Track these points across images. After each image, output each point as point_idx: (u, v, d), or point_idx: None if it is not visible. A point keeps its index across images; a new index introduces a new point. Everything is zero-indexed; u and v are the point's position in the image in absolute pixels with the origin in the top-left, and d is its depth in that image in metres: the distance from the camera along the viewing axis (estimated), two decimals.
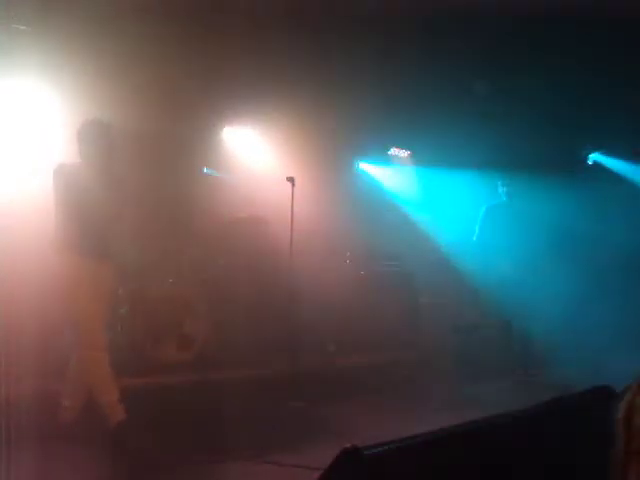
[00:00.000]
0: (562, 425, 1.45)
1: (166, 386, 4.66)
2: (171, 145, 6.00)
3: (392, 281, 6.76)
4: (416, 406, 4.69)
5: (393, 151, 8.16)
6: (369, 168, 8.36)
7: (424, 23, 5.25)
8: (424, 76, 6.08)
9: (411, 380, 5.51)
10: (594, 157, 8.02)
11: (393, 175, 8.39)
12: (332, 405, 4.49)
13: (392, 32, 5.33)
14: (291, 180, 5.03)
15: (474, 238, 6.52)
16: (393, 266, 6.84)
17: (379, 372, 5.42)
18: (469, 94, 6.47)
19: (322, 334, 5.80)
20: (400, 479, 1.26)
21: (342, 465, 1.23)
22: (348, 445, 1.22)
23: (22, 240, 4.58)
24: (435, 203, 8.07)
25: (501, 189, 6.47)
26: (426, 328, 6.72)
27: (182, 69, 5.45)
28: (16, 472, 3.09)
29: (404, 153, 8.20)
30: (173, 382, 4.77)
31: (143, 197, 5.52)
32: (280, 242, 5.19)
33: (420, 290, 7.02)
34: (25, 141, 5.38)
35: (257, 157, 7.07)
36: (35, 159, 5.37)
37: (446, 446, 1.33)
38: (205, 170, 6.96)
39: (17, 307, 4.40)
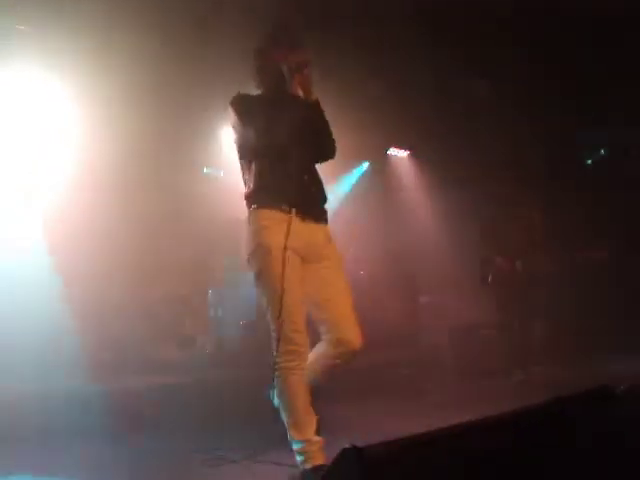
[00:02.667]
0: (562, 425, 1.45)
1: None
2: (170, 144, 6.01)
3: (392, 280, 6.77)
4: (416, 406, 4.69)
5: (393, 151, 8.17)
6: (369, 167, 8.38)
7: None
8: (424, 75, 6.08)
9: (411, 380, 5.51)
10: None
11: (394, 175, 8.40)
12: (332, 405, 4.48)
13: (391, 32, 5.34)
14: None
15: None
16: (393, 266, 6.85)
17: (379, 372, 5.42)
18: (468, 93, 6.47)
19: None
20: (400, 479, 1.26)
21: (342, 465, 1.23)
22: (348, 445, 1.22)
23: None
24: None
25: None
26: (426, 327, 6.74)
27: (182, 68, 5.46)
28: None
29: (404, 153, 8.22)
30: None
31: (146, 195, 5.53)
32: None
33: (420, 290, 7.03)
34: (25, 141, 5.39)
35: None
36: (35, 158, 5.39)
37: (446, 446, 1.33)
38: (205, 170, 6.97)
39: None
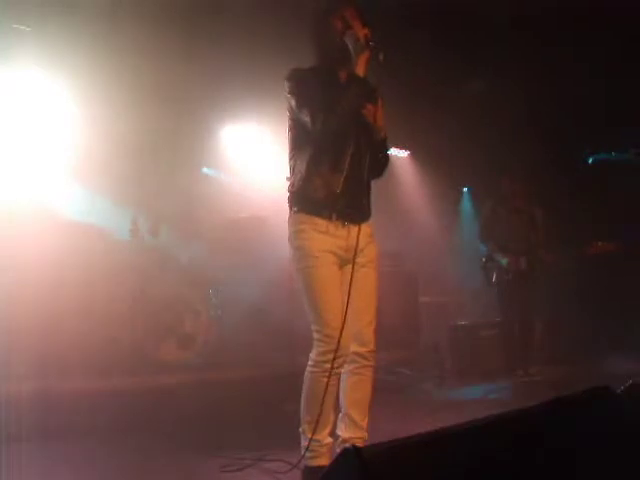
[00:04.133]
0: (562, 425, 1.45)
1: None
2: (170, 144, 6.00)
3: (392, 280, 6.76)
4: (416, 406, 4.69)
5: (393, 151, 8.16)
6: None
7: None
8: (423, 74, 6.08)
9: (411, 380, 5.51)
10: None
11: (393, 175, 8.40)
12: None
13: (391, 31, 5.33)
14: None
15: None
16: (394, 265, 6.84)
17: (379, 372, 5.42)
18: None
19: None
20: (400, 479, 1.26)
21: (342, 465, 1.23)
22: (348, 445, 1.22)
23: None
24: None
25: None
26: (426, 327, 6.74)
27: (182, 68, 5.46)
28: None
29: (404, 153, 8.22)
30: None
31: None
32: (280, 241, 5.18)
33: (420, 289, 7.02)
34: (25, 141, 5.39)
35: (257, 157, 7.08)
36: (35, 158, 5.38)
37: (446, 446, 1.33)
38: (204, 170, 6.97)
39: None
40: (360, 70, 2.79)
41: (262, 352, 5.46)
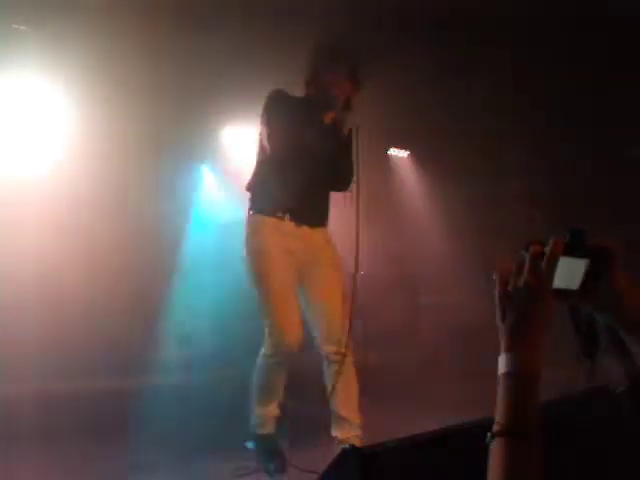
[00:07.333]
0: (562, 425, 1.45)
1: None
2: (170, 144, 6.00)
3: (392, 281, 6.76)
4: (416, 406, 4.69)
5: (393, 151, 8.16)
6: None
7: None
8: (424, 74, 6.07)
9: (411, 380, 5.50)
10: None
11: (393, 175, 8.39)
12: None
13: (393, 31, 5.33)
14: None
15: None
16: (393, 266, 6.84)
17: (379, 372, 5.42)
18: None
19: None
20: (400, 479, 1.26)
21: (341, 465, 1.23)
22: (347, 445, 1.22)
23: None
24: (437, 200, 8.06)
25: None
26: (426, 327, 6.73)
27: (182, 68, 5.45)
28: None
29: (404, 153, 8.21)
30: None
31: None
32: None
33: (420, 289, 7.02)
34: (25, 141, 5.39)
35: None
36: (35, 159, 5.38)
37: (446, 446, 1.33)
38: (204, 169, 6.97)
39: None
40: (333, 121, 3.00)
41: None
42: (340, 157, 3.04)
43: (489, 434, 1.02)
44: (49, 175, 5.33)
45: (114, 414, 3.92)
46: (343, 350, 3.03)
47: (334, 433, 3.04)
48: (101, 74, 5.11)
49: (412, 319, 6.76)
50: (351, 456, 1.21)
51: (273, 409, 3.20)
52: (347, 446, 1.24)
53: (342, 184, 3.15)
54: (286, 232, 3.01)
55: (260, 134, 3.12)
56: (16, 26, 4.76)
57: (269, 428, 3.19)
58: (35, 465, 3.31)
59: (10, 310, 4.48)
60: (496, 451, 1.00)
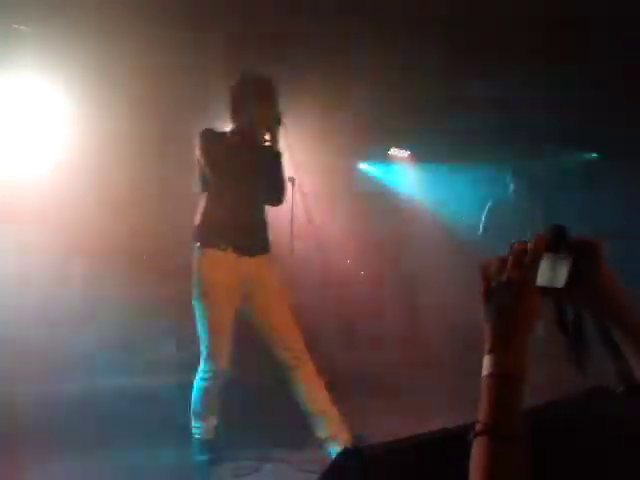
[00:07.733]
0: (562, 425, 1.45)
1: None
2: (170, 144, 6.00)
3: (392, 281, 6.77)
4: (416, 406, 4.69)
5: (393, 151, 8.16)
6: (370, 169, 8.37)
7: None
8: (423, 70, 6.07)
9: (411, 380, 5.50)
10: None
11: (394, 174, 8.40)
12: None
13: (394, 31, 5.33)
14: (291, 180, 5.02)
15: (479, 233, 6.51)
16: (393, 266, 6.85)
17: (379, 372, 5.42)
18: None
19: (323, 334, 5.80)
20: (400, 479, 1.26)
21: (342, 465, 1.23)
22: (348, 445, 1.22)
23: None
24: (438, 200, 8.07)
25: (509, 183, 6.47)
26: (426, 327, 6.73)
27: (182, 68, 5.45)
28: None
29: (404, 153, 8.21)
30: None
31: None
32: (280, 242, 5.19)
33: (420, 290, 7.02)
34: (25, 141, 5.39)
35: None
36: (34, 159, 5.38)
37: (447, 446, 1.33)
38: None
39: None
40: (262, 141, 3.33)
41: (263, 352, 5.45)
42: (271, 174, 3.33)
43: (471, 434, 1.00)
44: (49, 175, 5.33)
45: (114, 414, 3.93)
46: (297, 354, 3.26)
47: (320, 434, 3.10)
48: (101, 74, 5.11)
49: (412, 318, 6.76)
50: (351, 456, 1.21)
51: (212, 420, 3.46)
52: (348, 446, 1.24)
53: (275, 200, 3.43)
54: (228, 264, 3.25)
55: (198, 168, 3.34)
56: (16, 26, 4.76)
57: (210, 435, 3.46)
58: (35, 466, 3.31)
59: (10, 310, 4.48)
60: (478, 451, 0.98)
